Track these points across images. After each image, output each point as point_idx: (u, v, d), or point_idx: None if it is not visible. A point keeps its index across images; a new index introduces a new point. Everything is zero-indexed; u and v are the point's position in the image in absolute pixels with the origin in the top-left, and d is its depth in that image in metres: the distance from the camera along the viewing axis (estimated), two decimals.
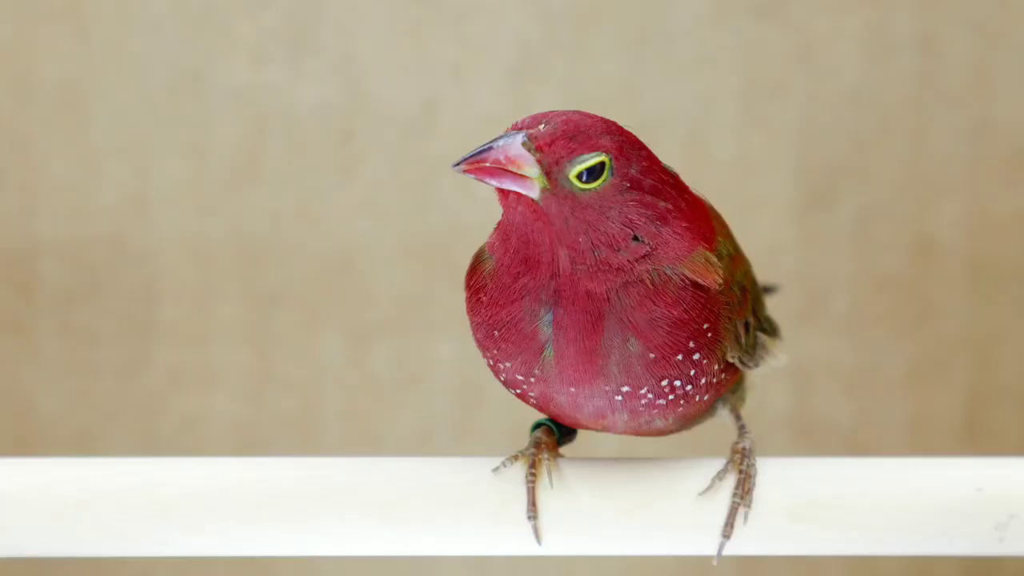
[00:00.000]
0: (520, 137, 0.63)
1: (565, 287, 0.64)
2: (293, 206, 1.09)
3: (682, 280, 0.65)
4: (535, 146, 0.63)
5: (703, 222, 0.67)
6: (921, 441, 1.09)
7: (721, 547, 0.69)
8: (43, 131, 1.08)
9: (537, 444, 0.71)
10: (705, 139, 1.09)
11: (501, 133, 0.64)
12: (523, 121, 0.64)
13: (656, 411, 0.67)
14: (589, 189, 0.63)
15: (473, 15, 1.09)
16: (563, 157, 0.63)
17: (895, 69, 1.08)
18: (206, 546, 0.70)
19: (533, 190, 0.63)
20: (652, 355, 0.65)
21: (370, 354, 1.10)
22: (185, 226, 1.09)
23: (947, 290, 1.09)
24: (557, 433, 0.72)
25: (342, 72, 1.09)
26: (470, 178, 0.63)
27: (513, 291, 0.66)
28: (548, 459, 0.70)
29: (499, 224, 0.67)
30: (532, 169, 0.63)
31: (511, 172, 0.63)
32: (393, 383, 1.10)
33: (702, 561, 0.71)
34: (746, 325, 0.70)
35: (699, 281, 0.65)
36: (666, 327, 0.65)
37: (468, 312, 0.68)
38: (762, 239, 1.08)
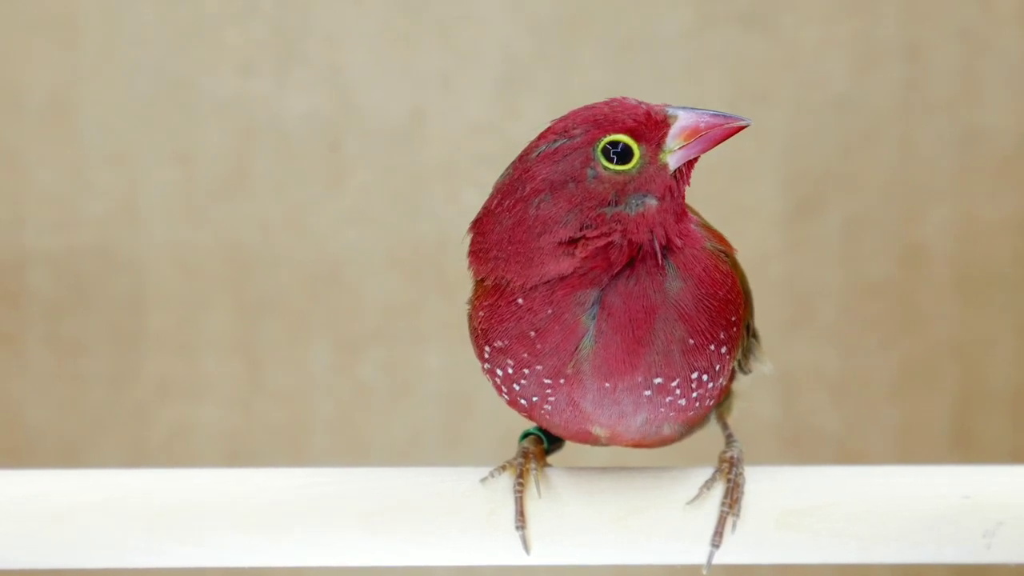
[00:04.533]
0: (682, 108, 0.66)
1: (649, 263, 0.65)
2: (281, 215, 1.09)
3: (717, 251, 0.67)
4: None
5: None
6: (909, 448, 1.10)
7: (710, 556, 0.69)
8: (31, 141, 1.08)
9: (525, 454, 0.71)
10: None
11: (660, 114, 0.65)
12: (639, 104, 0.66)
13: (673, 413, 0.67)
14: None
15: (460, 24, 1.09)
16: None
17: (882, 77, 1.08)
18: (196, 556, 0.70)
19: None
20: (692, 341, 0.65)
21: (359, 363, 1.10)
22: (173, 236, 1.09)
23: (935, 297, 1.10)
24: (546, 442, 0.73)
25: (330, 82, 1.09)
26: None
27: (571, 284, 0.65)
28: (536, 469, 0.70)
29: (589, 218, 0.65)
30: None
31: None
32: (382, 393, 1.10)
33: (691, 570, 0.71)
34: (747, 327, 0.71)
35: (725, 249, 0.68)
36: (712, 308, 0.66)
37: (492, 319, 0.67)
38: (750, 247, 1.08)
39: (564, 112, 0.67)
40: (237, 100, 1.08)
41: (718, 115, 0.65)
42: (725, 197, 1.09)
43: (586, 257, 0.65)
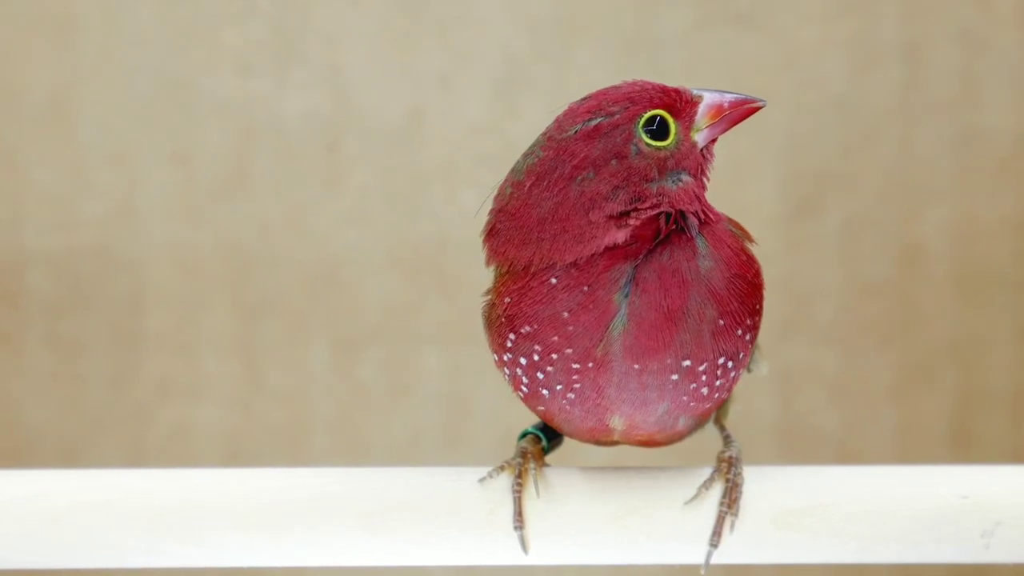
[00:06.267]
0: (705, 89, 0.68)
1: (684, 238, 0.66)
2: (281, 216, 1.09)
3: (741, 237, 0.68)
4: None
5: None
6: (907, 448, 1.10)
7: (709, 556, 0.69)
8: (30, 141, 1.08)
9: (523, 454, 0.71)
10: None
11: (688, 93, 0.67)
12: (660, 88, 0.67)
13: (694, 403, 0.67)
14: None
15: (459, 24, 1.09)
16: None
17: (880, 77, 1.09)
18: (195, 557, 0.70)
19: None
20: (722, 322, 0.66)
21: (358, 364, 1.10)
22: (172, 236, 1.09)
23: (933, 297, 1.10)
24: (544, 442, 0.73)
25: (329, 82, 1.09)
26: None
27: (614, 255, 0.65)
28: (534, 468, 0.70)
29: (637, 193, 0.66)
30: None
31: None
32: (381, 393, 1.10)
33: (690, 570, 0.71)
34: None
35: (745, 236, 0.69)
36: (741, 290, 0.66)
37: (522, 303, 0.66)
38: None
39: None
40: (237, 100, 1.09)
41: (738, 95, 0.68)
42: (724, 197, 1.08)
43: (639, 225, 0.65)
